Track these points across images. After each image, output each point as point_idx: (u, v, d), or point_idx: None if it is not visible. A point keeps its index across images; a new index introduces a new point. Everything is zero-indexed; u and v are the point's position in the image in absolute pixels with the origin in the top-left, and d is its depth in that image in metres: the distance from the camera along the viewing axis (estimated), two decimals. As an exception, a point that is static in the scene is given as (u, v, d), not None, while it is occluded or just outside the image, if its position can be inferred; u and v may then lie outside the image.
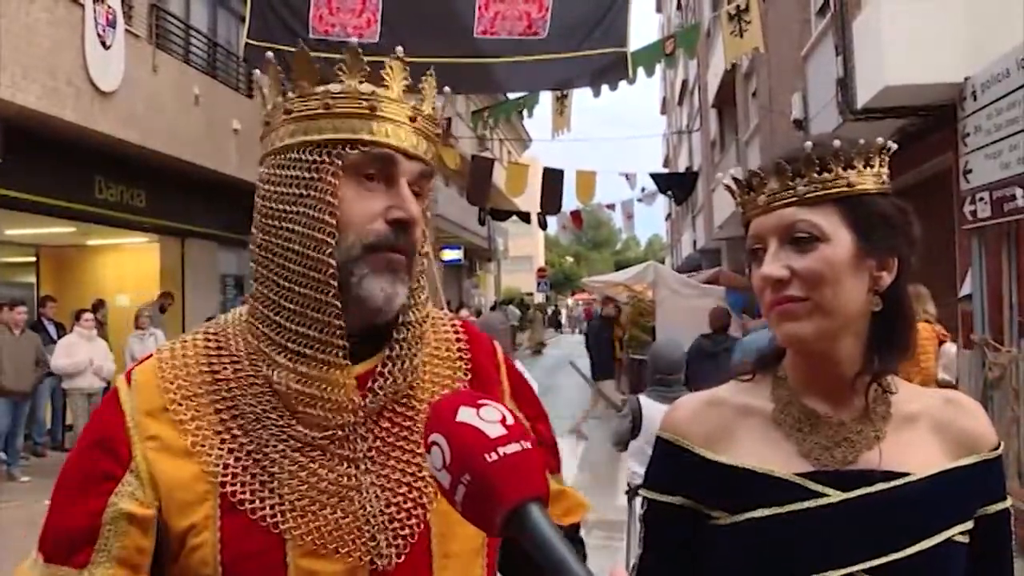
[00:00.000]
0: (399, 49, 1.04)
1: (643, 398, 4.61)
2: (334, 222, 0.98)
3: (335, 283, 0.99)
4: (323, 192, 0.98)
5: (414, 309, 1.08)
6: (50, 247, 12.68)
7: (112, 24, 9.35)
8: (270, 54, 1.07)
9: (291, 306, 1.00)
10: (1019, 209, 6.11)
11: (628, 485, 4.65)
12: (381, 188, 1.01)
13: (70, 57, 8.75)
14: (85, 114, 8.99)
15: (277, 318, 1.01)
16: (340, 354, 1.00)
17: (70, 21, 8.78)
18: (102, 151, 9.93)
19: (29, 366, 8.67)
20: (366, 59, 1.01)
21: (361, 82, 1.00)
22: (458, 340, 1.17)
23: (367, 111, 0.99)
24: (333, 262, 0.98)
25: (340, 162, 0.99)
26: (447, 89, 1.14)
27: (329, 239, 0.98)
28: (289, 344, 1.00)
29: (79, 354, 8.96)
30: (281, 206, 1.01)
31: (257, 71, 1.10)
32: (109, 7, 9.29)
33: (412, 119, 1.02)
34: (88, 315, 9.33)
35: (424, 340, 1.11)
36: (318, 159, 0.99)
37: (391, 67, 1.02)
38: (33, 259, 12.67)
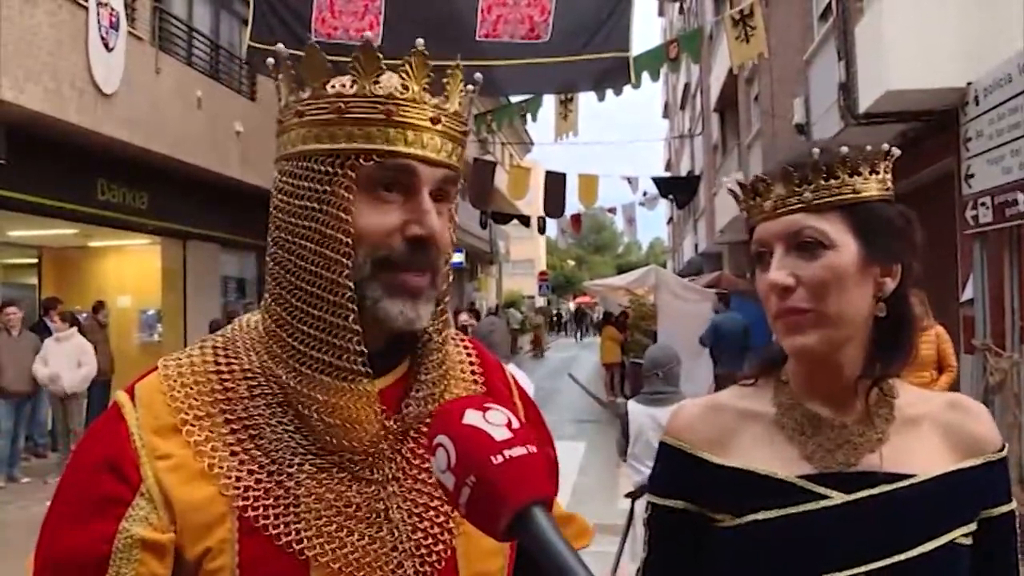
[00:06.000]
0: (419, 42, 0.93)
1: (631, 403, 4.65)
2: (349, 240, 0.91)
3: (353, 306, 0.92)
4: (336, 207, 0.91)
5: (439, 327, 1.02)
6: (52, 248, 12.70)
7: (115, 26, 9.36)
8: (281, 46, 0.98)
9: (307, 329, 0.93)
10: (1021, 214, 6.11)
11: (633, 486, 4.65)
12: (399, 199, 0.93)
13: (73, 59, 8.76)
14: (88, 116, 9.00)
15: (292, 341, 0.94)
16: (362, 379, 0.94)
17: (73, 23, 8.79)
18: (104, 153, 9.95)
19: (29, 367, 8.66)
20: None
21: (375, 82, 0.91)
22: (471, 362, 1.14)
23: (383, 116, 0.90)
24: (351, 284, 0.91)
25: (354, 174, 0.91)
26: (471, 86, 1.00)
27: (344, 259, 0.91)
28: (306, 368, 0.94)
29: (55, 360, 8.61)
30: (293, 219, 0.94)
31: (271, 59, 0.98)
32: (112, 9, 9.31)
33: (435, 120, 0.93)
34: (57, 317, 9.06)
35: (448, 359, 1.06)
36: (331, 170, 0.91)
37: (411, 65, 0.92)
38: (35, 260, 12.70)
